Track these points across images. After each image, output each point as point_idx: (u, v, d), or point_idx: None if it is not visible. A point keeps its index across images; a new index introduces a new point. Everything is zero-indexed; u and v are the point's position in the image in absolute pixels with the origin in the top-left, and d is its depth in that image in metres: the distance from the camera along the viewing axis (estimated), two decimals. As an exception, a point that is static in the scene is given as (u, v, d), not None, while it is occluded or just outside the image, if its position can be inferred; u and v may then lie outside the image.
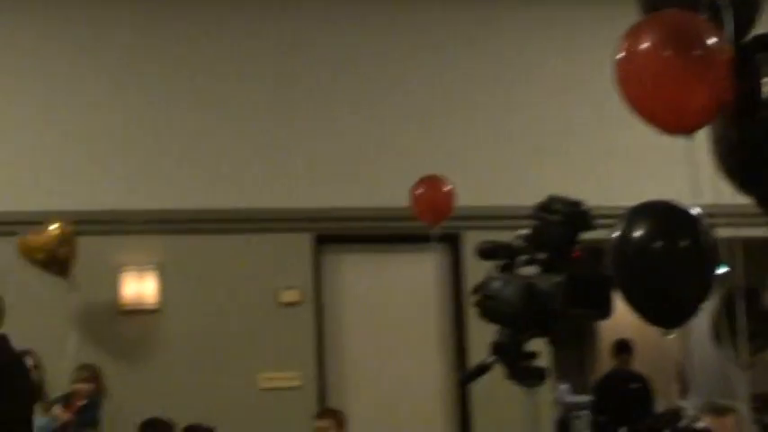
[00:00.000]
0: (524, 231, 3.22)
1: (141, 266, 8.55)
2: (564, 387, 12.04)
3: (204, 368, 8.54)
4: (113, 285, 8.51)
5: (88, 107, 8.78)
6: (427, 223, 8.15)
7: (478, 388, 8.47)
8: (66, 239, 8.06)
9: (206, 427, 7.42)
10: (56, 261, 8.04)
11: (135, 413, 7.61)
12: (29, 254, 8.02)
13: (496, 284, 3.09)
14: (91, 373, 7.90)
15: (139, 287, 8.52)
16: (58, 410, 7.73)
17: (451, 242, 8.92)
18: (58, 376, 7.86)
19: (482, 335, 3.42)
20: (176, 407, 7.94)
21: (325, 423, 7.60)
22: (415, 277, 9.03)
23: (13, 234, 8.17)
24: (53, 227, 8.04)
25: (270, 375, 8.64)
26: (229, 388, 8.53)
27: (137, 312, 8.54)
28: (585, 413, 10.54)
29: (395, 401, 8.90)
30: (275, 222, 8.79)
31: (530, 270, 3.19)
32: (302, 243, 8.83)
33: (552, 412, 8.52)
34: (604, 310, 3.13)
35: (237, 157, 8.90)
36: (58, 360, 7.90)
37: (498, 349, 3.16)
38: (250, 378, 8.59)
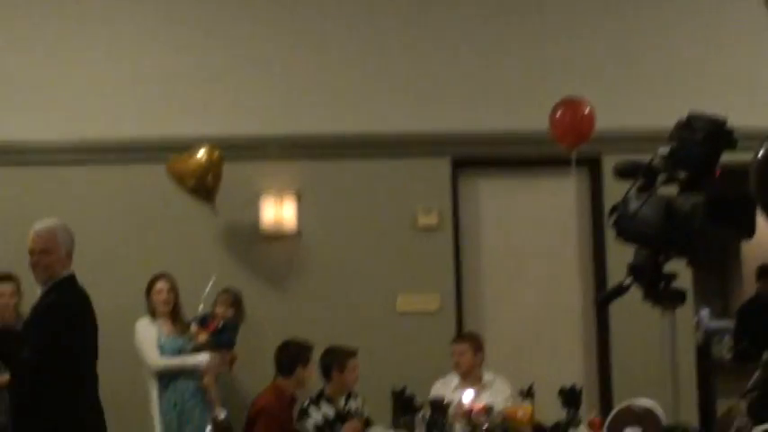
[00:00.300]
0: (664, 149, 3.14)
1: (281, 192, 8.63)
2: (705, 311, 11.85)
3: (343, 292, 8.63)
4: (254, 211, 8.62)
5: (237, 35, 8.84)
6: (566, 147, 8.04)
7: (616, 311, 8.44)
8: (213, 165, 8.18)
9: (346, 350, 7.50)
10: (203, 187, 8.17)
11: (274, 336, 7.72)
12: (179, 179, 8.16)
13: (634, 204, 3.02)
14: (232, 298, 8.05)
15: (279, 212, 8.60)
16: (194, 328, 7.90)
17: (591, 166, 8.79)
18: (196, 300, 8.03)
19: (622, 259, 3.36)
20: (316, 330, 8.05)
21: (462, 347, 7.63)
22: (554, 202, 8.93)
23: (160, 161, 8.33)
24: (201, 153, 8.16)
25: (408, 299, 8.69)
26: (368, 312, 8.60)
27: (276, 237, 8.64)
28: (727, 338, 10.38)
29: (532, 326, 8.86)
30: (413, 147, 8.76)
31: (669, 190, 3.11)
32: (440, 167, 8.80)
33: (692, 336, 8.39)
34: (746, 230, 3.03)
35: (377, 83, 8.88)
36: (200, 284, 8.05)
37: (636, 271, 3.09)
38: (388, 302, 8.65)
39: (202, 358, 7.75)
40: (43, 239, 5.71)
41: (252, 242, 8.66)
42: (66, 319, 5.63)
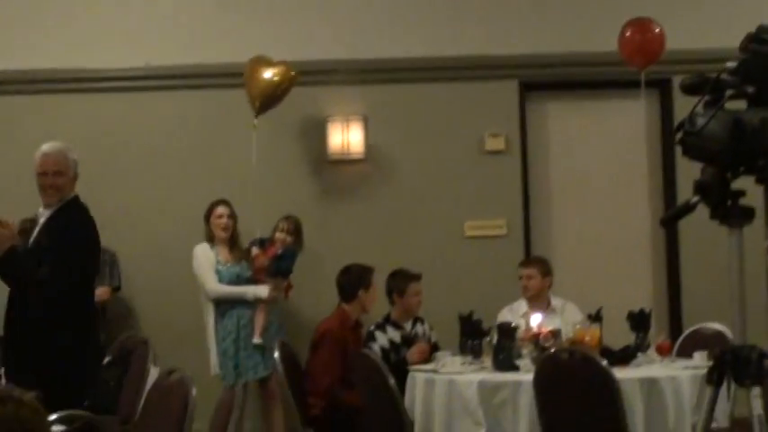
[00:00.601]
0: (732, 64, 3.05)
1: (348, 117, 8.60)
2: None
3: (410, 216, 8.62)
4: (321, 136, 8.61)
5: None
6: (636, 68, 7.91)
7: (686, 234, 8.35)
8: (285, 84, 8.14)
9: (408, 274, 7.50)
10: (269, 103, 8.15)
11: (340, 260, 7.73)
12: (255, 99, 8.13)
13: (701, 120, 2.94)
14: (292, 225, 8.04)
15: (346, 137, 8.58)
16: (255, 251, 7.93)
17: (661, 87, 8.65)
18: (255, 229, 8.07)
19: (693, 181, 3.29)
20: (382, 254, 8.08)
21: (530, 271, 7.58)
22: (623, 125, 8.81)
23: (225, 86, 8.35)
24: (274, 72, 8.12)
25: (475, 223, 8.66)
26: (435, 236, 8.59)
27: (343, 162, 8.64)
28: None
29: (601, 250, 8.80)
30: (481, 70, 8.68)
31: (737, 105, 3.03)
32: (508, 90, 8.72)
33: (763, 257, 8.26)
34: (818, 146, 2.95)
35: (445, 6, 8.80)
36: (261, 212, 8.09)
37: (702, 188, 3.02)
38: (455, 226, 8.63)
39: (262, 291, 7.79)
40: (55, 161, 5.76)
41: (319, 167, 8.66)
42: (86, 238, 5.74)
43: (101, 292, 8.02)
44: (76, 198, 5.80)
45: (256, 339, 7.70)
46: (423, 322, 7.56)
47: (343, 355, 6.95)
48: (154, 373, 6.38)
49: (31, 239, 5.70)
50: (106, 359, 7.47)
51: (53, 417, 4.07)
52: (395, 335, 7.36)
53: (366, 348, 7.23)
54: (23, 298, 5.58)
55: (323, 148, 8.61)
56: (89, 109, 8.62)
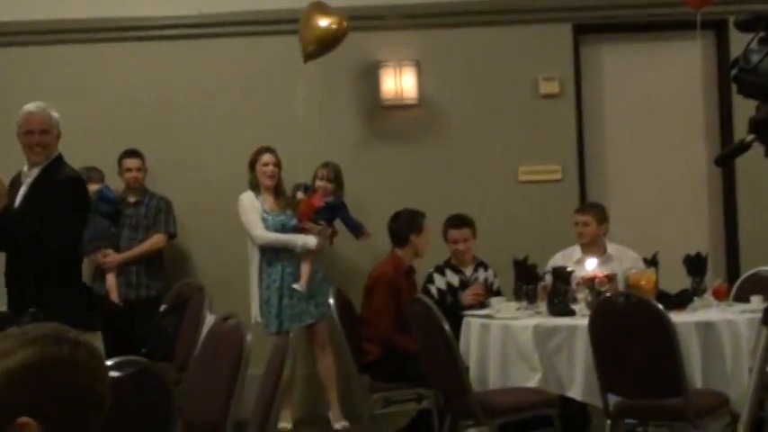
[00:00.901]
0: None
1: (401, 61, 8.56)
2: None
3: (464, 162, 8.58)
4: (373, 81, 8.58)
5: None
6: (692, 8, 7.79)
7: (743, 177, 8.26)
8: (340, 33, 8.11)
9: (467, 219, 7.50)
10: (323, 50, 8.12)
11: (393, 206, 7.71)
12: (308, 45, 8.10)
13: (755, 57, 2.88)
14: (332, 172, 7.98)
15: (399, 82, 8.54)
16: (300, 195, 7.92)
17: (717, 28, 8.51)
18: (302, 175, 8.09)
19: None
20: (436, 200, 8.06)
21: (585, 217, 7.52)
22: (679, 67, 8.69)
23: (275, 33, 8.35)
24: (329, 21, 8.08)
25: (529, 168, 8.60)
26: (489, 181, 8.56)
27: (396, 107, 8.60)
28: None
29: (657, 194, 8.71)
30: (534, 13, 8.59)
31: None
32: (561, 33, 8.62)
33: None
34: None
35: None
36: (307, 159, 8.10)
37: (757, 126, 2.96)
38: (509, 171, 8.59)
39: (311, 241, 7.78)
40: (41, 119, 5.83)
41: (372, 112, 8.63)
42: (77, 193, 5.81)
43: (156, 239, 8.10)
44: (60, 156, 5.88)
45: (298, 285, 7.70)
46: (486, 268, 7.55)
47: (398, 300, 6.98)
48: (209, 320, 6.43)
49: (19, 198, 5.76)
50: (163, 306, 7.57)
51: (110, 362, 4.11)
52: (453, 278, 7.38)
53: (424, 290, 7.27)
54: (18, 259, 5.69)
55: (375, 94, 8.57)
56: (141, 57, 8.64)
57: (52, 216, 5.57)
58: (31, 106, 5.90)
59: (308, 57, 8.08)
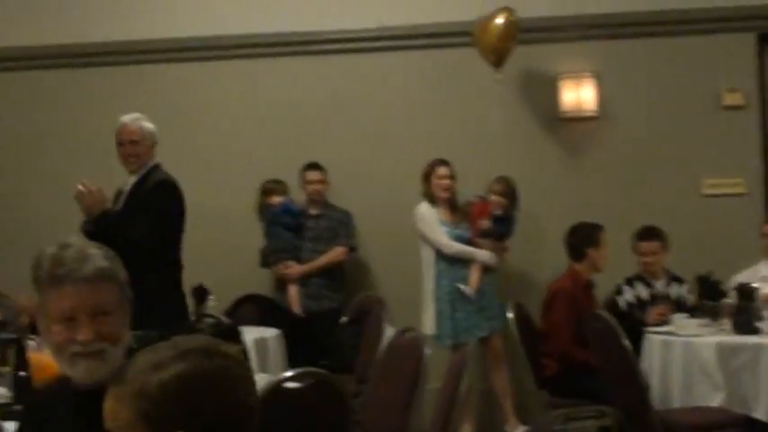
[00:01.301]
0: None
1: (579, 73, 8.49)
2: None
3: (644, 174, 8.45)
4: (552, 93, 8.53)
5: None
6: None
7: None
8: (513, 42, 8.10)
9: (657, 231, 7.39)
10: (501, 52, 8.11)
11: (572, 219, 7.63)
12: (486, 55, 8.11)
13: None
14: (506, 187, 7.96)
15: (578, 94, 8.47)
16: (475, 204, 7.90)
17: None
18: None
19: None
20: (615, 214, 7.96)
21: (772, 230, 7.32)
22: None
23: (451, 45, 8.40)
24: (500, 19, 8.07)
25: (713, 181, 8.40)
26: (671, 194, 8.39)
27: (576, 120, 8.53)
28: None
29: None
30: (716, 23, 8.39)
31: None
32: (745, 43, 8.40)
33: None
34: None
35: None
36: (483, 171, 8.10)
37: None
38: (693, 184, 8.40)
39: (490, 257, 7.77)
40: (131, 130, 6.22)
41: (550, 124, 8.58)
42: (178, 197, 6.15)
43: (337, 252, 8.21)
44: (157, 165, 6.24)
45: (466, 288, 7.66)
46: (681, 282, 7.41)
47: (577, 314, 6.90)
48: (389, 333, 6.49)
49: (120, 204, 6.18)
50: (343, 319, 7.68)
51: (289, 373, 4.20)
52: (643, 291, 7.29)
53: (611, 302, 7.21)
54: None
55: (554, 106, 8.52)
56: (323, 71, 8.77)
57: (142, 219, 5.86)
58: (125, 118, 6.31)
59: (496, 55, 8.04)
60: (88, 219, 5.98)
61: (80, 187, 5.97)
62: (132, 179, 6.22)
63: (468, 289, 7.68)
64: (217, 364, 1.99)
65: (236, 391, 2.00)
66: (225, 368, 2.00)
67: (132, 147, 6.19)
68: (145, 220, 5.92)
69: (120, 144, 6.24)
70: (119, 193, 6.31)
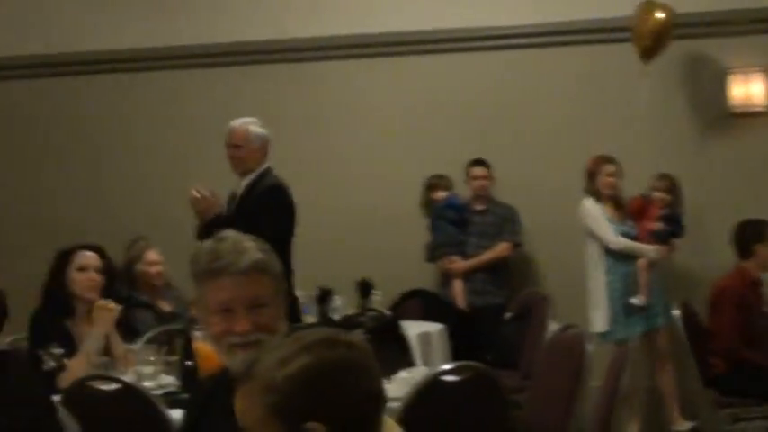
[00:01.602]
0: None
1: (749, 68, 8.34)
2: None
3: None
4: (720, 88, 8.38)
5: None
6: None
7: None
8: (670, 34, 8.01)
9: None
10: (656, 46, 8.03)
11: (738, 216, 7.45)
12: (643, 40, 8.04)
13: None
14: (669, 184, 7.84)
15: (747, 89, 8.32)
16: (640, 205, 7.82)
17: None
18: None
19: None
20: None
21: None
22: None
23: (601, 42, 8.35)
24: (657, 14, 7.98)
25: None
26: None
27: (745, 115, 8.37)
28: None
29: None
30: None
31: None
32: None
33: None
34: None
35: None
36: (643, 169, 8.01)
37: None
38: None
39: (655, 252, 7.68)
40: (235, 135, 6.28)
41: (718, 120, 8.43)
42: (288, 203, 6.19)
43: (502, 247, 8.23)
44: (268, 169, 6.28)
45: (637, 300, 7.57)
46: None
47: (745, 312, 6.78)
48: (553, 329, 6.49)
49: (232, 208, 6.26)
50: (507, 314, 7.72)
51: (448, 366, 4.26)
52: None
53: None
54: None
55: (722, 101, 8.37)
56: (484, 67, 8.79)
57: (251, 223, 5.94)
58: (235, 122, 6.38)
59: (645, 53, 7.96)
60: (201, 223, 6.10)
61: (194, 193, 6.12)
62: (244, 182, 6.30)
63: (638, 300, 7.60)
64: (340, 354, 2.03)
65: (361, 378, 2.03)
66: (348, 357, 2.03)
67: (236, 150, 6.27)
68: (253, 226, 6.03)
69: (226, 147, 6.35)
70: (232, 197, 6.41)
